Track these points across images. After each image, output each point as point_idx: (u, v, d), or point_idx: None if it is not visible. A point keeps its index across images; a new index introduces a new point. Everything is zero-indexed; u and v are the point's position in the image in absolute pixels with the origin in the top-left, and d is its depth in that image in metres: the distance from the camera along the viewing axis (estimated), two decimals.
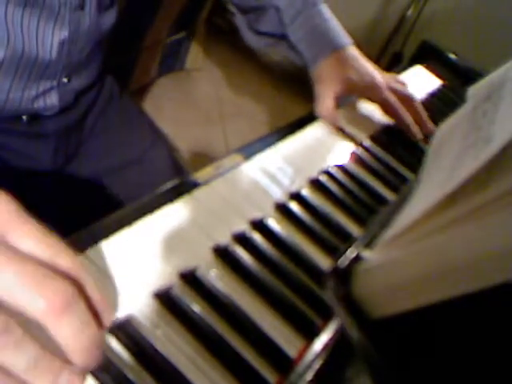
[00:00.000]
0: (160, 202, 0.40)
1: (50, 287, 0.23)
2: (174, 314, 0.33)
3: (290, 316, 0.36)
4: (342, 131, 0.60)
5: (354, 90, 0.63)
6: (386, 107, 0.63)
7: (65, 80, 0.59)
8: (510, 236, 0.21)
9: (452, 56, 0.84)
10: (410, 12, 1.77)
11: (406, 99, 0.63)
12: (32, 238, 0.24)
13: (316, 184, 0.49)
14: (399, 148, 0.61)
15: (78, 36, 0.55)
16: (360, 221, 0.47)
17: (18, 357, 0.22)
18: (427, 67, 0.82)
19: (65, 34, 0.52)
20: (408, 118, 0.62)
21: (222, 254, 0.38)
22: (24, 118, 0.60)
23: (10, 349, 0.22)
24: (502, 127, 0.26)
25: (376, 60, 1.86)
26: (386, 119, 0.65)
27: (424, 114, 0.64)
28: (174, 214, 0.40)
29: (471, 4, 1.71)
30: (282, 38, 0.69)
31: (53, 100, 0.59)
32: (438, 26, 1.76)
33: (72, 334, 0.23)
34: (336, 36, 0.66)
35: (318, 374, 0.32)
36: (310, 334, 0.35)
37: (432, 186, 0.30)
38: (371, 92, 0.63)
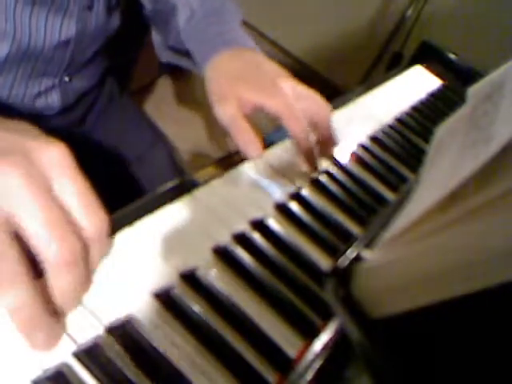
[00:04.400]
0: (160, 202, 0.40)
1: (68, 238, 0.24)
2: (174, 314, 0.33)
3: (289, 316, 0.36)
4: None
5: (253, 93, 0.46)
6: (287, 119, 0.45)
7: (66, 79, 0.59)
8: (510, 236, 0.21)
9: (452, 56, 0.84)
10: (409, 12, 1.77)
11: (317, 123, 0.48)
12: (74, 192, 0.26)
13: (316, 184, 0.49)
14: (399, 148, 0.61)
15: (84, 36, 0.55)
16: (360, 221, 0.47)
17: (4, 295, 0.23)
18: (427, 67, 0.82)
19: (71, 32, 0.53)
20: (305, 141, 0.46)
21: (222, 254, 0.38)
22: (24, 114, 0.60)
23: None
24: (502, 127, 0.26)
25: (376, 60, 1.86)
26: (385, 119, 0.65)
27: (334, 141, 0.49)
28: (173, 214, 0.40)
29: (471, 4, 1.71)
30: (187, 52, 0.60)
31: (54, 99, 0.59)
32: (438, 26, 1.76)
33: (65, 289, 0.25)
34: (234, 36, 0.55)
35: (318, 374, 0.32)
36: (310, 334, 0.35)
37: (432, 186, 0.30)
38: (273, 100, 0.46)
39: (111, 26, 0.60)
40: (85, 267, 0.26)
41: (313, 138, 0.47)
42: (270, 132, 0.54)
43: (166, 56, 0.66)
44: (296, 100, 0.47)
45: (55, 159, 0.26)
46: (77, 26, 0.53)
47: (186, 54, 0.60)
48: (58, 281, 0.25)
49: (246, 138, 0.44)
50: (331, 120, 0.48)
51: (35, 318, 0.25)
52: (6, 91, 0.54)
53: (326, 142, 0.49)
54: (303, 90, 0.48)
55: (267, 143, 0.51)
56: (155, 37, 0.66)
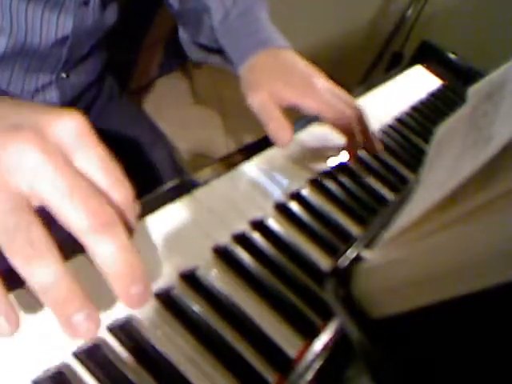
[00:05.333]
0: (160, 202, 0.40)
1: (96, 205, 0.23)
2: (174, 314, 0.33)
3: (289, 316, 0.36)
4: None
5: (290, 91, 0.50)
6: (328, 114, 0.49)
7: (63, 75, 0.59)
8: (510, 236, 0.21)
9: (452, 56, 0.84)
10: (409, 12, 1.77)
11: (343, 116, 0.50)
12: (96, 161, 0.24)
13: (316, 184, 0.49)
14: (399, 148, 0.61)
15: (81, 32, 0.55)
16: (360, 221, 0.47)
17: (33, 272, 0.22)
18: (427, 67, 0.82)
19: (68, 28, 0.52)
20: (356, 127, 0.50)
21: (222, 254, 0.38)
22: None
23: (26, 260, 0.22)
24: (502, 127, 0.26)
25: (376, 60, 1.86)
26: (385, 119, 0.65)
27: (370, 130, 0.53)
28: (174, 214, 0.40)
29: (471, 4, 1.71)
30: (219, 50, 0.62)
31: (52, 95, 0.59)
32: (438, 26, 1.76)
33: (110, 253, 0.23)
34: (269, 35, 0.57)
35: (318, 374, 0.32)
36: (310, 334, 0.35)
37: (432, 185, 0.30)
38: (306, 98, 0.49)
39: (107, 21, 0.60)
40: (124, 232, 0.24)
41: (357, 127, 0.51)
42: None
43: (193, 53, 0.67)
44: (329, 92, 0.50)
45: (71, 130, 0.24)
46: (73, 22, 0.52)
47: (218, 51, 0.62)
48: (99, 247, 0.23)
49: (276, 125, 0.47)
50: (366, 121, 0.52)
51: (71, 296, 0.23)
52: (4, 87, 0.54)
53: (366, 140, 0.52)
54: (337, 90, 0.52)
55: (268, 142, 0.51)
56: (182, 35, 0.67)
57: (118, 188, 0.25)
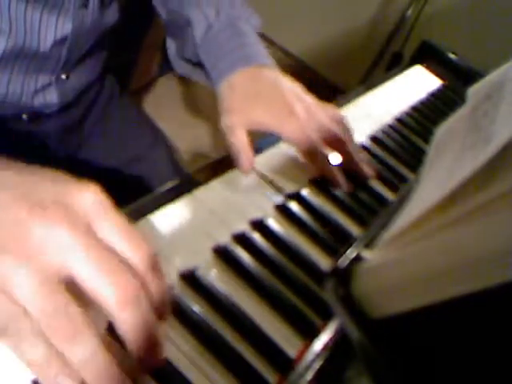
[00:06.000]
0: (160, 202, 0.40)
1: (123, 278, 0.24)
2: (174, 314, 0.33)
3: (289, 316, 0.36)
4: (265, 178, 0.47)
5: (269, 119, 0.48)
6: (302, 148, 0.48)
7: (63, 76, 0.59)
8: (510, 236, 0.21)
9: (452, 56, 0.84)
10: (409, 12, 1.77)
11: (335, 140, 0.49)
12: (116, 230, 0.26)
13: (316, 184, 0.49)
14: (399, 148, 0.61)
15: (81, 33, 0.55)
16: (360, 221, 0.47)
17: (74, 348, 0.23)
18: (427, 67, 0.82)
19: (67, 30, 0.52)
20: (327, 167, 0.48)
21: (222, 254, 0.38)
22: (24, 116, 0.60)
23: (68, 338, 0.23)
24: (502, 127, 0.26)
25: (376, 60, 1.86)
26: (386, 119, 0.65)
27: (358, 159, 0.50)
28: (174, 214, 0.40)
29: (471, 4, 1.71)
30: (200, 64, 0.59)
31: (52, 97, 0.59)
32: (438, 26, 1.76)
33: (133, 326, 0.25)
34: (251, 52, 0.53)
35: (318, 374, 0.32)
36: (310, 334, 0.35)
37: (432, 185, 0.30)
38: (285, 125, 0.47)
39: (107, 21, 0.59)
40: (148, 304, 0.25)
41: (333, 160, 0.49)
42: (260, 138, 0.53)
43: (179, 66, 0.65)
44: (310, 121, 0.48)
45: (91, 201, 0.26)
46: (73, 23, 0.52)
47: (201, 66, 0.60)
48: (124, 321, 0.24)
49: (241, 154, 0.46)
50: (347, 130, 0.50)
51: (106, 370, 0.24)
52: (4, 88, 0.54)
53: (349, 159, 0.50)
54: (317, 109, 0.49)
55: (257, 149, 0.50)
56: (169, 46, 0.65)
57: (139, 254, 0.26)
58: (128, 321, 0.24)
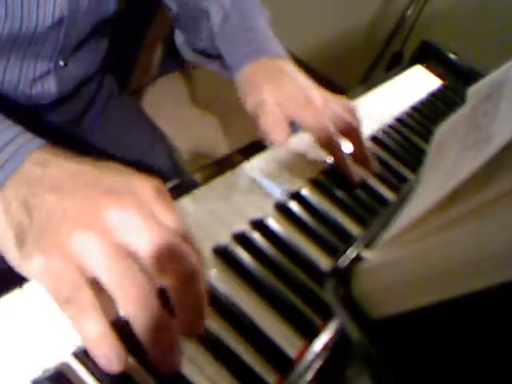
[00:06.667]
0: None
1: (185, 262, 0.29)
2: (173, 314, 0.33)
3: (289, 316, 0.36)
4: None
5: (292, 104, 0.49)
6: (319, 136, 0.49)
7: (61, 63, 0.58)
8: (510, 236, 0.21)
9: (452, 56, 0.84)
10: (409, 12, 1.77)
11: (349, 129, 0.51)
12: (169, 217, 0.31)
13: (316, 184, 0.49)
14: (399, 148, 0.61)
15: (77, 16, 0.54)
16: (360, 221, 0.47)
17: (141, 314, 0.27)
18: (427, 67, 0.82)
19: (64, 10, 0.52)
20: (341, 156, 0.50)
21: (222, 254, 0.38)
22: (23, 105, 0.59)
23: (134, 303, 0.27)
24: (502, 127, 0.26)
25: (376, 60, 1.86)
26: (386, 119, 0.65)
27: (367, 151, 0.52)
28: None
29: (471, 4, 1.72)
30: (218, 56, 0.61)
31: (50, 85, 0.59)
32: (438, 26, 1.76)
33: (194, 301, 0.29)
34: (267, 43, 0.56)
35: (318, 374, 0.32)
36: (310, 334, 0.35)
37: (432, 185, 0.30)
38: (305, 112, 0.49)
39: (105, 8, 0.59)
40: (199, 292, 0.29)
41: (346, 149, 0.51)
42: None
43: (190, 56, 0.67)
44: (326, 110, 0.50)
45: (155, 192, 0.31)
46: (69, 4, 0.52)
47: (217, 57, 0.62)
48: (187, 299, 0.29)
49: (277, 126, 0.48)
50: (359, 122, 0.52)
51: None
52: (1, 75, 0.54)
53: (359, 149, 0.52)
54: (332, 99, 0.52)
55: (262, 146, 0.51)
56: (178, 37, 0.67)
57: (184, 239, 0.31)
58: (185, 301, 0.29)
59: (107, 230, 0.28)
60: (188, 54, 0.67)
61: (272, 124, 0.48)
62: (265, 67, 0.53)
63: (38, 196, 0.29)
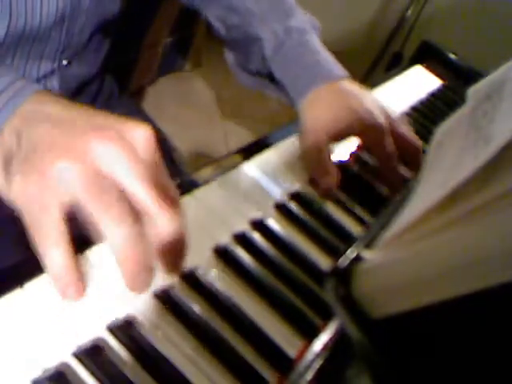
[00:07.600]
0: None
1: (156, 191, 0.30)
2: (174, 314, 0.33)
3: (289, 316, 0.36)
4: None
5: (351, 129, 0.50)
6: (380, 155, 0.50)
7: (64, 62, 0.59)
8: (510, 236, 0.21)
9: (452, 56, 0.84)
10: (409, 12, 1.77)
11: (409, 147, 0.52)
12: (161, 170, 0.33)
13: (316, 184, 0.49)
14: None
15: (78, 14, 0.54)
16: (360, 221, 0.47)
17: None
18: (427, 67, 0.82)
19: (66, 6, 0.52)
20: (393, 176, 0.51)
21: (222, 254, 0.38)
22: None
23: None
24: (502, 127, 0.26)
25: (376, 60, 1.86)
26: None
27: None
28: None
29: (471, 4, 1.72)
30: (271, 78, 0.60)
31: (54, 84, 0.59)
32: (438, 26, 1.76)
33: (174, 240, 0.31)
34: (328, 67, 0.55)
35: (318, 374, 0.32)
36: (310, 334, 0.35)
37: (432, 185, 0.30)
38: (371, 135, 0.50)
39: (107, 8, 0.59)
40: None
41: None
42: (272, 132, 0.54)
43: (244, 79, 0.65)
44: (392, 132, 0.50)
45: (143, 138, 0.31)
46: (71, 2, 0.52)
47: (272, 80, 0.60)
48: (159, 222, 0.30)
49: (329, 175, 0.48)
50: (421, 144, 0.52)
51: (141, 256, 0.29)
52: None
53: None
54: (398, 121, 0.52)
55: (268, 142, 0.51)
56: (228, 56, 0.65)
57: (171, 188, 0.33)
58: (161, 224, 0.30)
59: (91, 162, 0.29)
60: (240, 76, 0.65)
61: (322, 171, 0.48)
62: (327, 95, 0.52)
63: (30, 126, 0.31)
